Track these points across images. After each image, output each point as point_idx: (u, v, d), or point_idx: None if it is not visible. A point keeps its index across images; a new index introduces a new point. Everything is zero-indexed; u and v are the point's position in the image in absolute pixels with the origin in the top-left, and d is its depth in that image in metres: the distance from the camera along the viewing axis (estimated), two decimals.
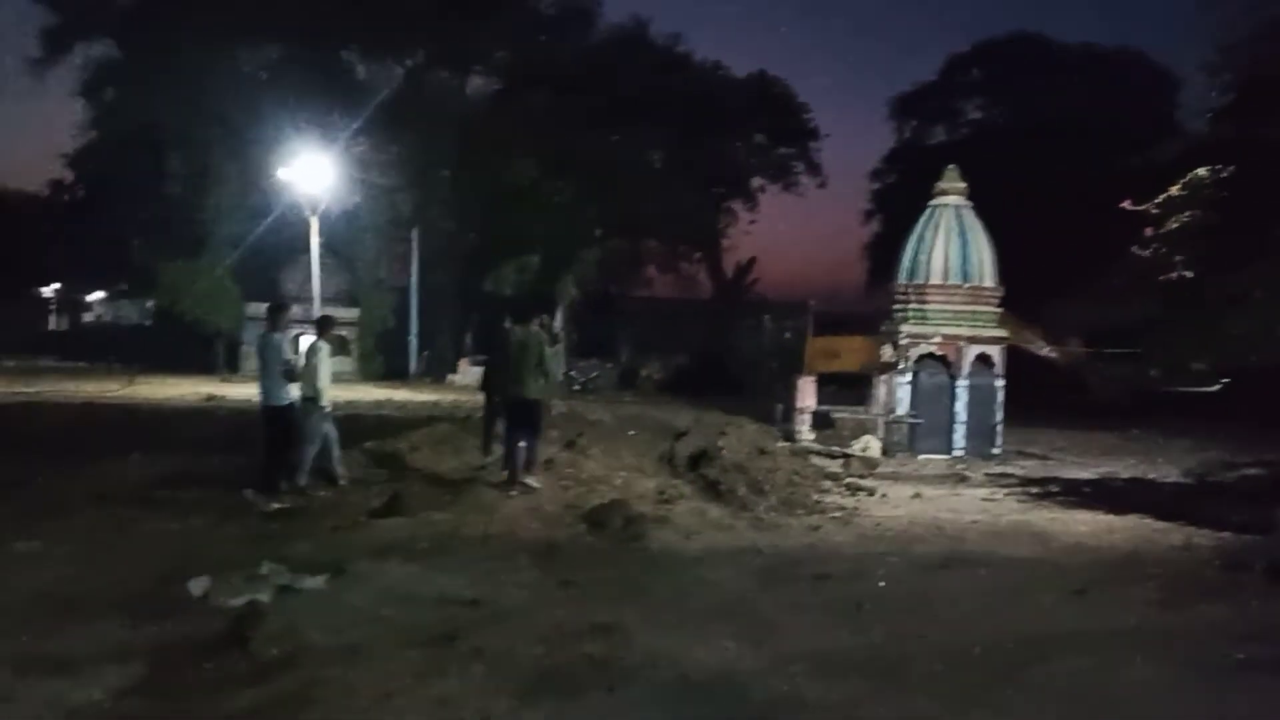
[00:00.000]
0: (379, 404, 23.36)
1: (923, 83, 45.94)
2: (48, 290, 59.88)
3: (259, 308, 35.60)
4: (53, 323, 60.97)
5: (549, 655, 6.31)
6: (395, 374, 35.35)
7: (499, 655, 6.22)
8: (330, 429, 11.98)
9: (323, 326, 12.46)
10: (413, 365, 37.45)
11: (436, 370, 36.85)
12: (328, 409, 11.85)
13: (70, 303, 62.63)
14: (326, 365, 11.82)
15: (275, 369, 11.04)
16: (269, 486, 11.11)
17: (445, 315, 38.62)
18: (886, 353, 19.70)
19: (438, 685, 5.71)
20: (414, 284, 37.86)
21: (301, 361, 11.72)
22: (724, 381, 32.23)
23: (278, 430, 11.28)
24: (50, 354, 40.06)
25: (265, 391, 11.20)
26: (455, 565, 8.57)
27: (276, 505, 10.82)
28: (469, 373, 33.97)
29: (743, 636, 6.86)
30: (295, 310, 15.13)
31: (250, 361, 35.11)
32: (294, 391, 11.27)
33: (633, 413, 19.02)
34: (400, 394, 27.82)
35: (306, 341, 12.26)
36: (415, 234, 37.74)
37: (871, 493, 13.90)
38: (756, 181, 45.29)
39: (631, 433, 16.38)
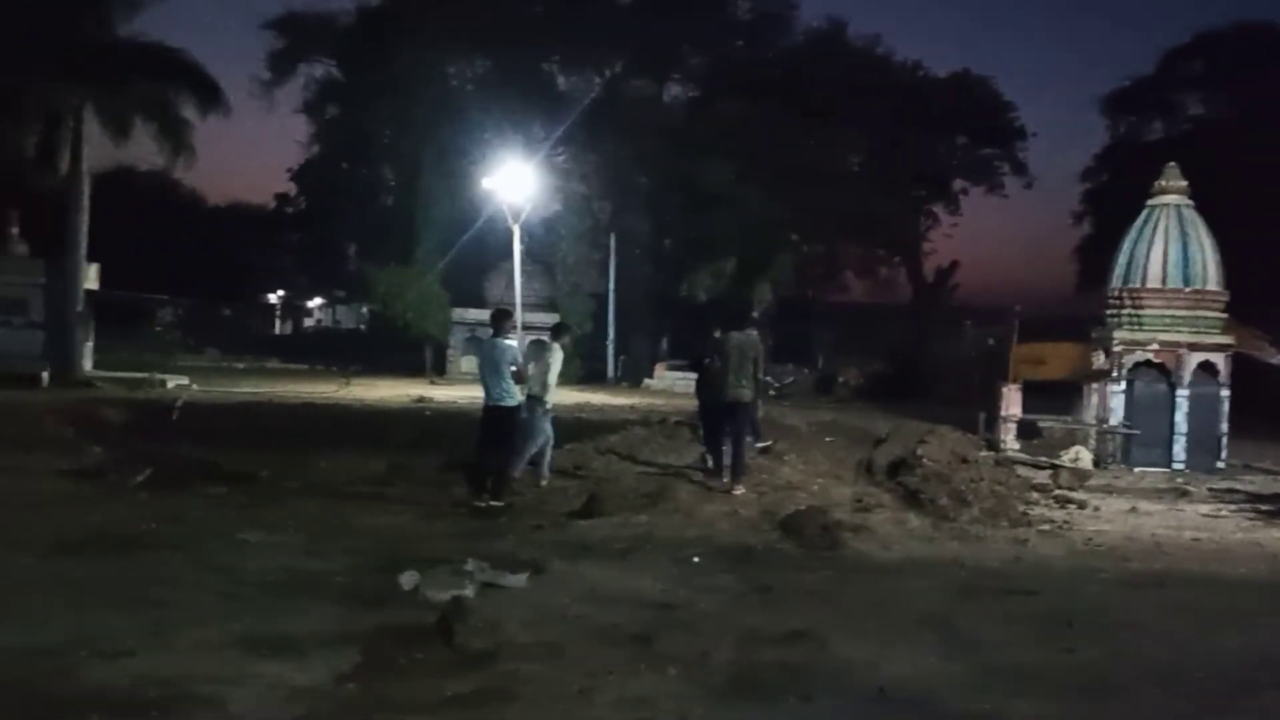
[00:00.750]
0: (577, 407, 23.85)
1: (1138, 77, 43.62)
2: (273, 297, 63.68)
3: (465, 313, 37.09)
4: (277, 327, 64.79)
5: (743, 660, 6.28)
6: (593, 378, 36.02)
7: (693, 658, 6.23)
8: (550, 430, 12.39)
9: (558, 331, 12.87)
10: (610, 369, 38.05)
11: (633, 374, 37.33)
12: (550, 409, 12.24)
13: (293, 308, 66.46)
14: (557, 367, 12.20)
15: (503, 370, 11.39)
16: (479, 485, 11.51)
17: (641, 320, 39.10)
18: (1098, 360, 18.81)
19: (633, 685, 5.76)
20: (611, 289, 38.48)
21: (529, 365, 12.15)
22: (923, 388, 31.45)
23: (499, 430, 11.65)
24: (275, 356, 42.62)
25: (489, 393, 11.57)
26: (651, 567, 8.65)
27: (490, 503, 11.16)
28: (665, 377, 34.28)
29: (943, 649, 6.66)
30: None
31: (457, 365, 36.54)
32: (518, 394, 11.62)
33: (829, 419, 18.75)
34: (597, 397, 28.33)
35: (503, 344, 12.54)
36: (613, 240, 38.37)
37: (1082, 506, 13.26)
38: (959, 184, 44.12)
39: (828, 439, 16.18)
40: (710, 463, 12.98)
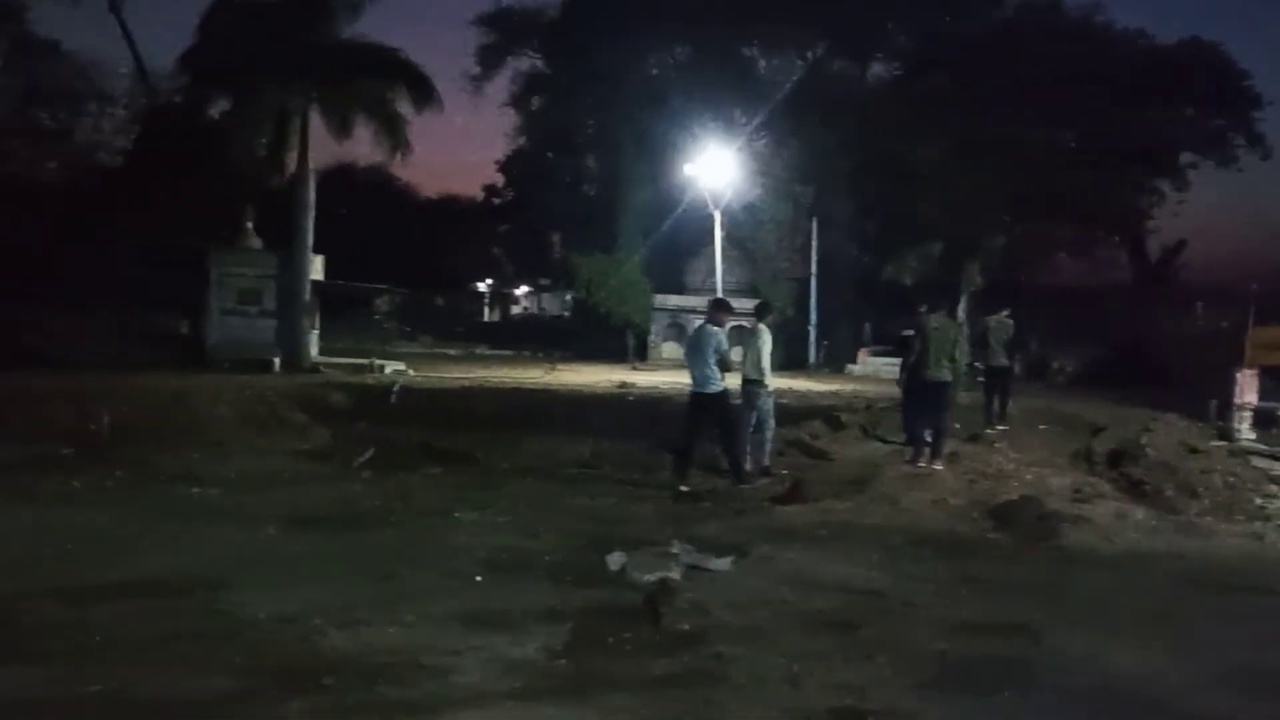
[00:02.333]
0: (779, 393, 23.59)
1: None
2: (482, 285, 65.86)
3: (666, 299, 37.45)
4: (486, 315, 66.97)
5: (955, 651, 6.14)
6: (794, 364, 35.71)
7: (902, 647, 6.13)
8: (772, 412, 12.43)
9: (762, 311, 12.86)
10: (812, 355, 37.68)
11: (835, 360, 36.87)
12: (771, 389, 12.29)
13: (501, 296, 68.54)
14: (769, 348, 12.21)
15: (707, 356, 11.49)
16: (683, 470, 11.63)
17: (844, 305, 38.54)
18: None
19: (841, 672, 5.71)
20: (813, 274, 38.08)
21: (735, 354, 12.20)
22: (1146, 374, 29.76)
23: (701, 417, 11.77)
24: (484, 343, 44.08)
25: (697, 379, 11.69)
26: (856, 554, 8.55)
27: (687, 488, 11.26)
28: (868, 363, 33.70)
29: (1170, 646, 6.33)
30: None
31: (658, 351, 36.95)
32: (724, 381, 11.68)
33: (1042, 406, 18.04)
34: (799, 383, 28.08)
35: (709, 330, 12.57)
36: (814, 224, 37.94)
37: None
38: (1187, 157, 41.45)
39: (1042, 427, 15.59)
40: (911, 445, 12.84)
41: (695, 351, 11.70)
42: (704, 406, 11.68)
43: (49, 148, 33.47)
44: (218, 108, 26.14)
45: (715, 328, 11.72)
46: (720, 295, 15.42)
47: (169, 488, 10.78)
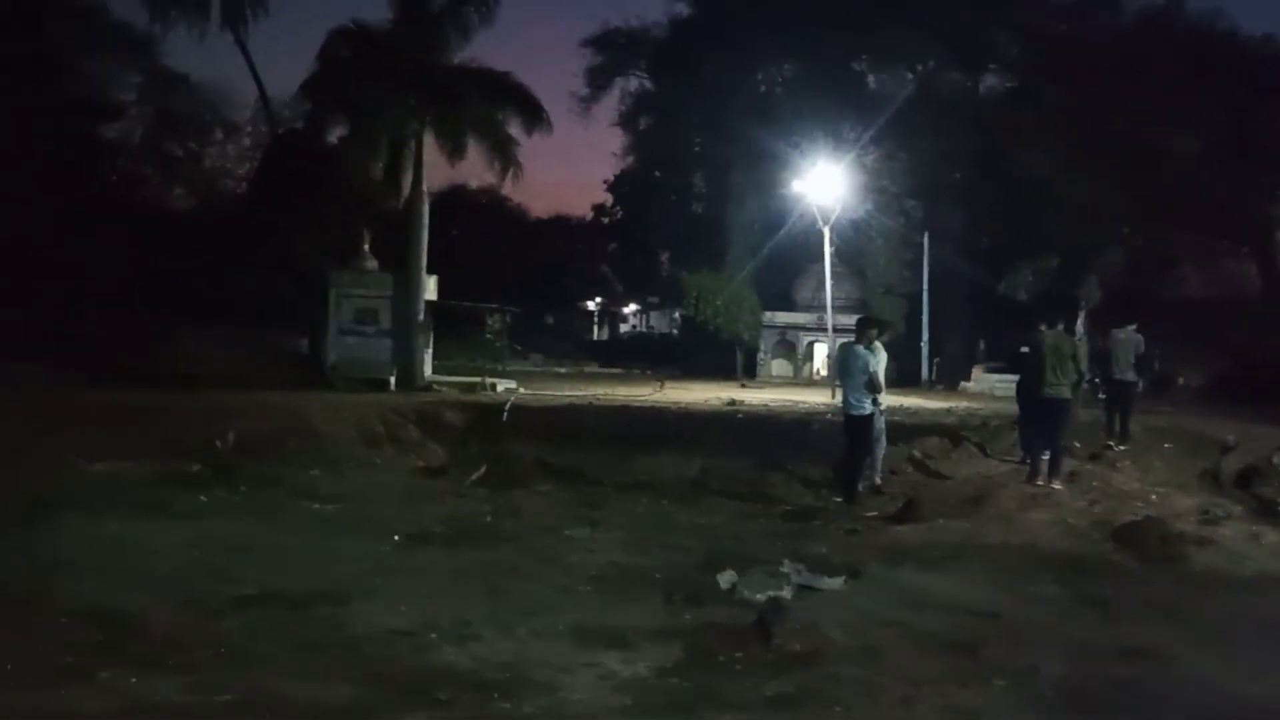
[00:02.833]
0: (890, 410, 23.32)
1: None
2: (591, 304, 66.44)
3: (774, 316, 37.28)
4: (595, 333, 67.51)
5: (1076, 675, 5.97)
6: (906, 380, 35.13)
7: (1021, 671, 5.98)
8: (883, 430, 12.35)
9: (877, 329, 12.76)
10: (924, 372, 37.07)
11: (948, 377, 36.19)
12: (882, 409, 12.21)
13: (610, 314, 69.04)
14: (882, 365, 12.13)
15: (855, 377, 11.44)
16: (849, 492, 11.57)
17: (957, 321, 37.84)
18: None
19: (957, 696, 5.61)
20: (924, 289, 37.50)
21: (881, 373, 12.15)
22: (1276, 390, 28.54)
23: (856, 438, 11.75)
24: (593, 361, 44.42)
25: (845, 401, 11.64)
26: (972, 575, 8.38)
27: (869, 512, 11.15)
28: (982, 379, 33.00)
29: None
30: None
31: (767, 368, 36.79)
32: (868, 401, 11.61)
33: (1166, 423, 17.42)
34: (911, 400, 27.64)
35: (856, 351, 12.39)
36: (925, 239, 37.38)
37: None
38: None
39: (1166, 445, 15.06)
40: (1029, 464, 12.65)
41: (844, 372, 11.67)
42: (848, 427, 11.71)
43: (178, 175, 34.96)
44: (336, 133, 26.94)
45: (862, 347, 11.62)
46: (869, 316, 15.33)
47: (291, 503, 11.14)
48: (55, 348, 20.02)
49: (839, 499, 11.49)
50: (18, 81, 22.14)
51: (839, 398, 11.90)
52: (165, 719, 5.17)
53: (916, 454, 14.27)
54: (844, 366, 11.71)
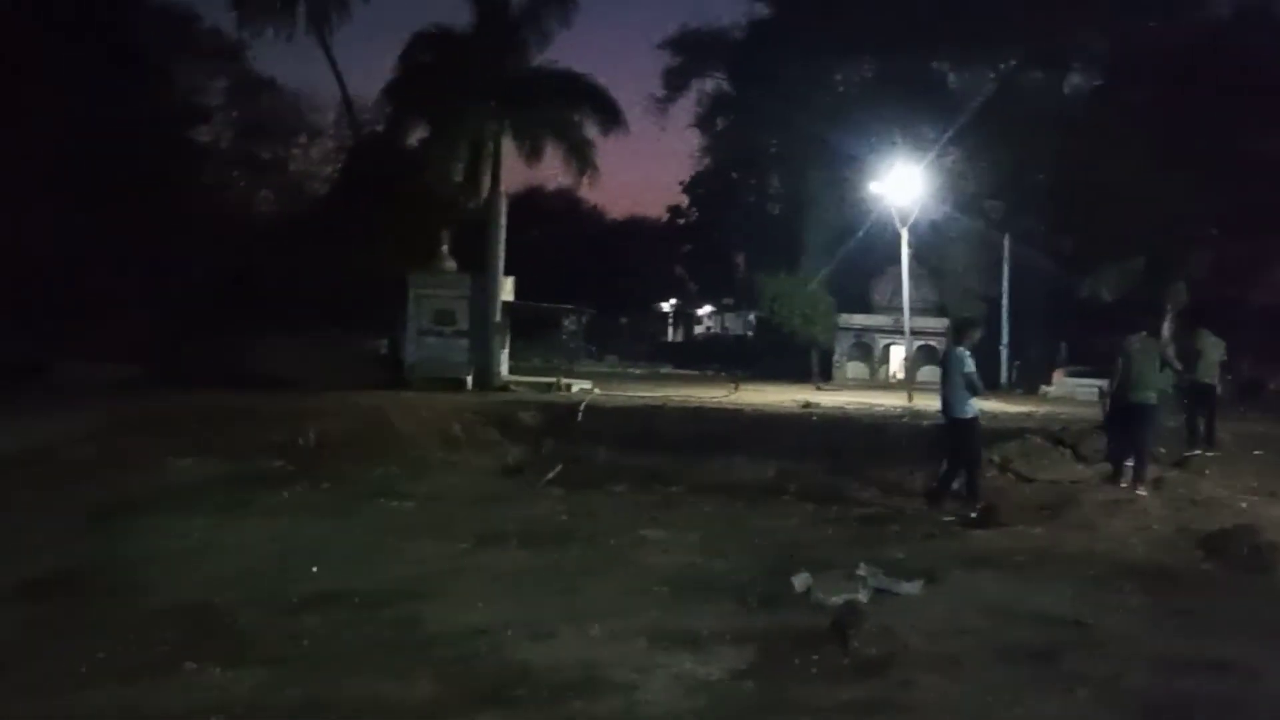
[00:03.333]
0: None
1: None
2: (666, 305, 66.51)
3: (850, 318, 36.96)
4: (670, 334, 67.57)
5: (1161, 687, 5.83)
6: (986, 384, 34.58)
7: (1104, 682, 5.85)
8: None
9: (966, 328, 12.58)
10: (1004, 376, 36.48)
11: (1028, 381, 35.57)
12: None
13: (684, 316, 69.04)
14: (971, 367, 11.91)
15: (955, 380, 11.31)
16: (937, 497, 11.47)
17: (1037, 324, 37.17)
18: None
19: (1038, 706, 5.51)
20: (1004, 292, 36.90)
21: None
22: None
23: (951, 443, 11.67)
24: (668, 362, 44.45)
25: (947, 404, 11.52)
26: (1053, 582, 8.20)
27: (956, 516, 10.98)
28: (1064, 384, 32.38)
29: None
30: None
31: (843, 370, 36.50)
32: (972, 405, 11.47)
33: (1258, 430, 16.95)
34: (990, 404, 27.21)
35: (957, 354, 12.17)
36: (1006, 241, 36.77)
37: None
38: None
39: (1257, 452, 14.64)
40: (1113, 469, 12.50)
41: (945, 375, 11.52)
42: (949, 432, 11.59)
43: (264, 178, 35.79)
44: (416, 136, 27.33)
45: (962, 349, 11.48)
46: (968, 317, 15.19)
47: (370, 501, 11.33)
48: (150, 348, 20.67)
49: (937, 505, 11.23)
50: (113, 87, 22.83)
51: (939, 401, 11.66)
52: (248, 713, 5.29)
53: (996, 458, 14.02)
54: (945, 369, 11.54)
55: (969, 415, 11.38)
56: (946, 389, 11.42)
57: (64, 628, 6.54)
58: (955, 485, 11.79)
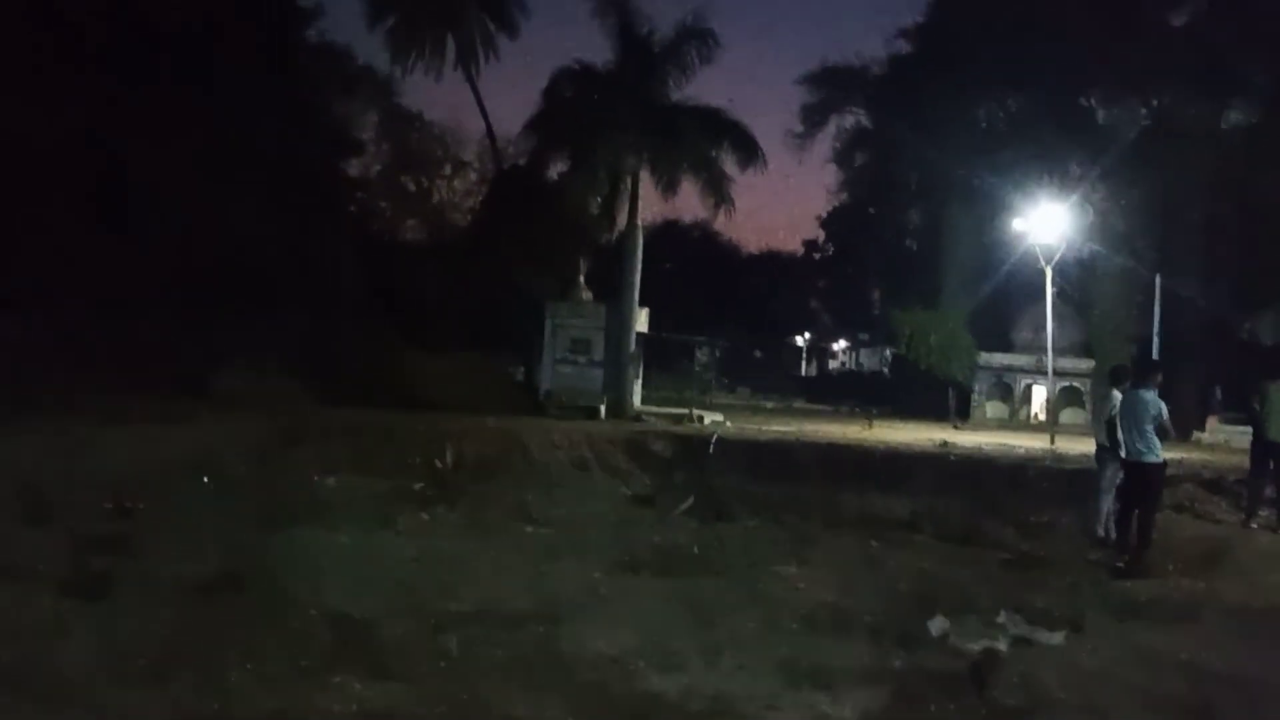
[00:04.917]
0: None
1: None
2: (800, 339, 66.07)
3: (991, 357, 36.10)
4: (803, 368, 67.03)
5: None
6: None
7: None
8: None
9: (1118, 376, 12.19)
10: None
11: (1180, 426, 34.02)
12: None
13: (819, 350, 68.48)
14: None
15: (1144, 424, 10.90)
16: (1122, 544, 11.06)
17: (1191, 367, 35.64)
18: None
19: None
20: (1155, 333, 35.50)
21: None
22: None
23: (1136, 489, 11.12)
24: (801, 396, 44.08)
25: (1132, 449, 11.01)
26: (1207, 634, 7.86)
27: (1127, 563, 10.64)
28: (1219, 430, 30.95)
29: None
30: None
31: (982, 409, 35.64)
32: (1160, 450, 10.98)
33: None
34: None
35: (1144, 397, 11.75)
36: (1158, 280, 35.44)
37: None
38: None
39: None
40: (1250, 509, 12.57)
41: (1131, 418, 11.03)
42: (1134, 477, 11.06)
43: (410, 208, 36.95)
44: (557, 168, 27.89)
45: (1150, 394, 11.05)
46: (1155, 360, 14.87)
47: (506, 523, 11.55)
48: (304, 366, 21.57)
49: (1121, 560, 10.73)
50: (275, 121, 23.94)
51: (1120, 446, 11.17)
52: None
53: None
54: (1132, 412, 11.00)
55: (1160, 460, 10.88)
56: (1135, 433, 10.88)
57: (226, 630, 6.77)
58: (1104, 531, 11.41)
